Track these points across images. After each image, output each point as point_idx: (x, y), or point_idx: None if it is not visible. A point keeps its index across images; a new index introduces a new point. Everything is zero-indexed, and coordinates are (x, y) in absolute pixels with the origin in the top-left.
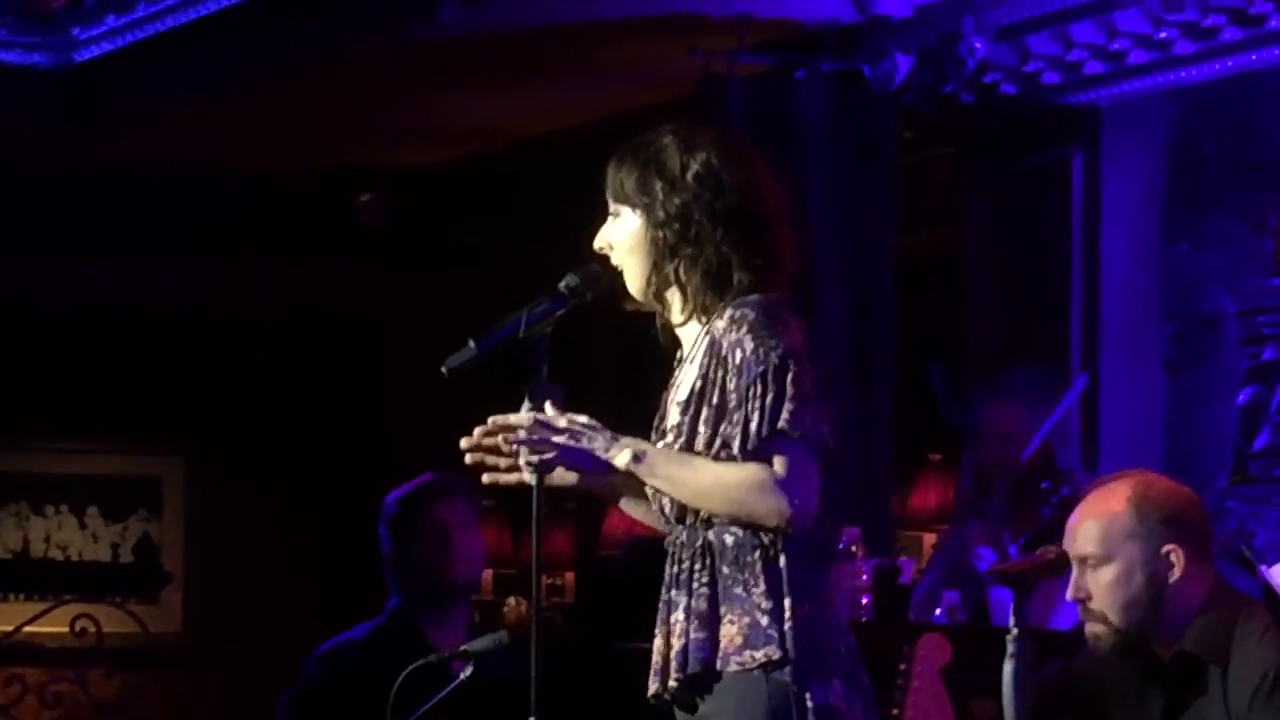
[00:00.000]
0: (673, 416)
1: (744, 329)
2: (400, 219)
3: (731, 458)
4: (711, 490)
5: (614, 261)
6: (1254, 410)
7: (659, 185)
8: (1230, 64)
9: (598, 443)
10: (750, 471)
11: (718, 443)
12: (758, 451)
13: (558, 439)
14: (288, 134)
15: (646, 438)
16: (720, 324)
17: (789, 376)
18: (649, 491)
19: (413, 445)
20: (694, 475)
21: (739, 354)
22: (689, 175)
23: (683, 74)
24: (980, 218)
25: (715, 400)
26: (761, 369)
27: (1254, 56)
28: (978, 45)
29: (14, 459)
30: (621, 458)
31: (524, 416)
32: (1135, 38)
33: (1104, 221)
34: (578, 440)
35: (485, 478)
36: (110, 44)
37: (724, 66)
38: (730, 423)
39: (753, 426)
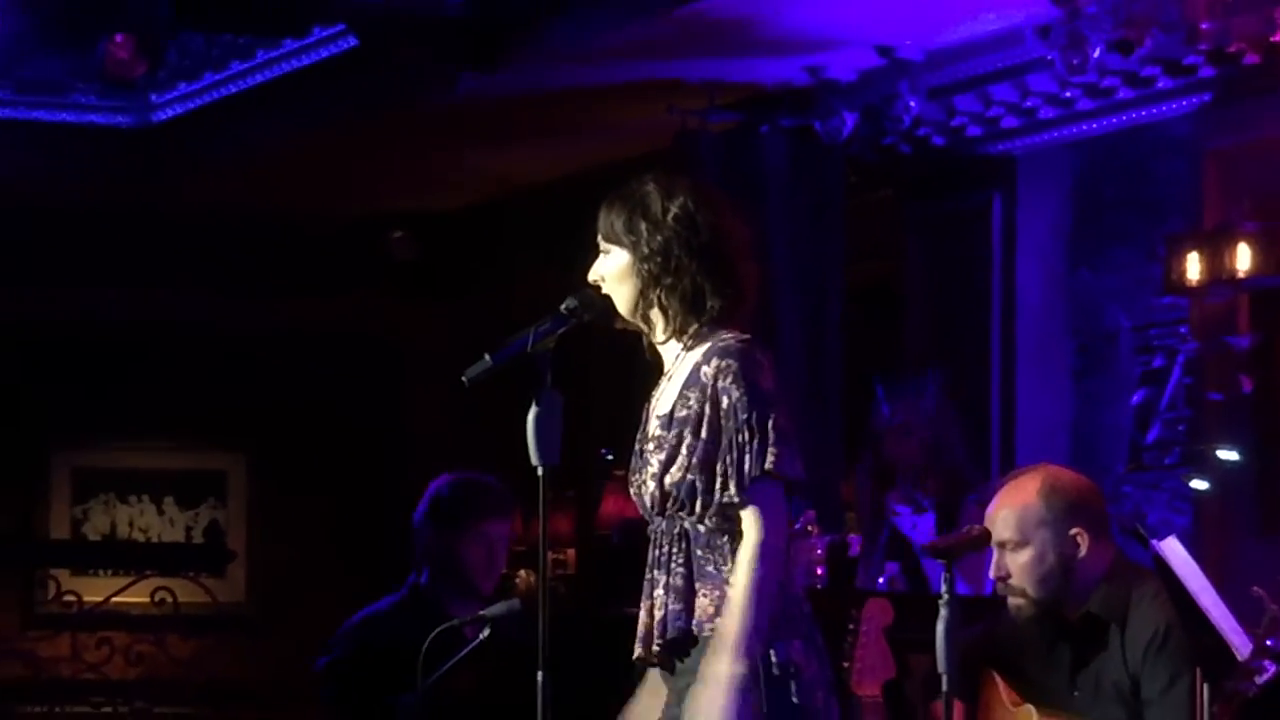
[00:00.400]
0: (653, 427)
1: (730, 378)
2: (424, 256)
3: (727, 494)
4: (757, 603)
5: (605, 290)
6: (1146, 409)
7: (643, 226)
8: (1124, 118)
9: (718, 707)
10: (742, 566)
11: (718, 482)
12: (744, 490)
13: None
14: (329, 184)
15: (634, 438)
16: (708, 368)
17: (770, 423)
18: (631, 487)
19: (428, 447)
20: (747, 617)
21: (725, 401)
22: (669, 217)
23: (662, 130)
24: (916, 250)
25: (704, 435)
26: (746, 417)
27: (1144, 112)
28: (912, 104)
29: (104, 457)
30: (726, 675)
31: None
32: (1045, 96)
33: (1019, 252)
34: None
35: None
36: (181, 107)
37: (697, 123)
38: (724, 463)
39: (745, 470)
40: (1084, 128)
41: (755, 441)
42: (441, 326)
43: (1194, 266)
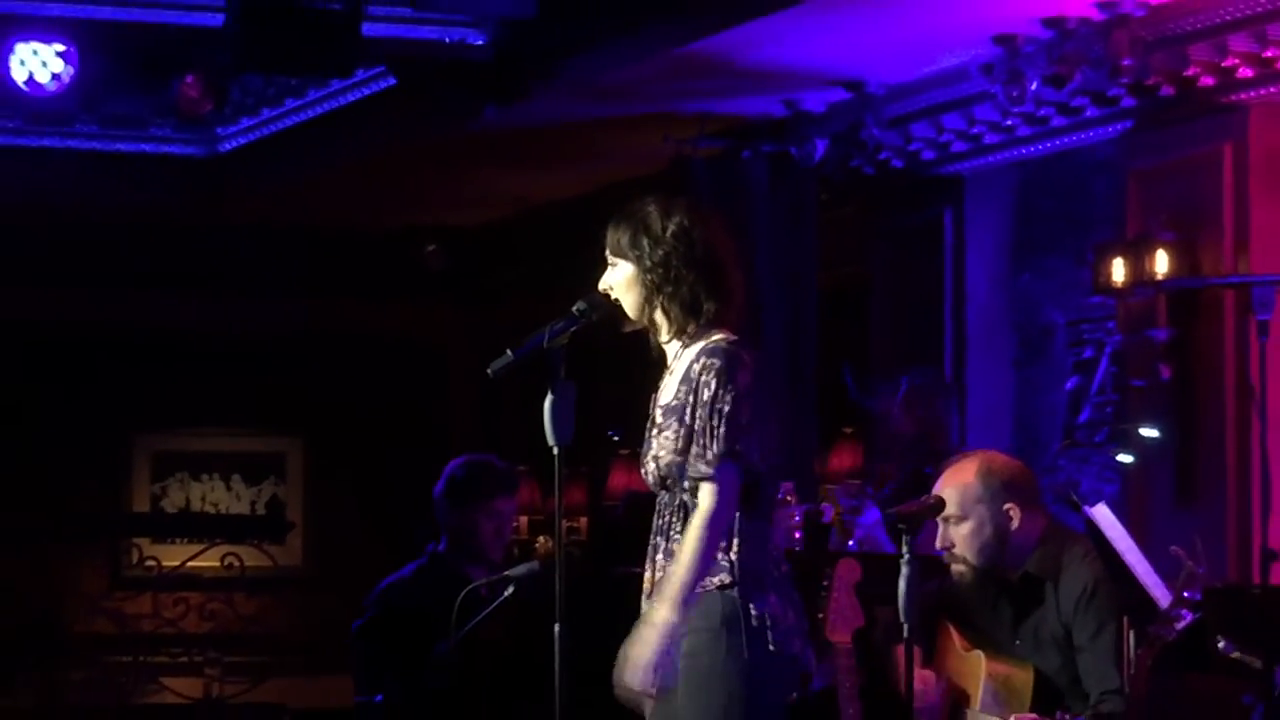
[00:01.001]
0: (657, 415)
1: (712, 374)
2: (454, 266)
3: (696, 470)
4: (691, 561)
5: (615, 297)
6: (1078, 394)
7: (645, 241)
8: (1059, 143)
9: (648, 647)
10: (694, 528)
11: (693, 455)
12: (709, 467)
13: (646, 674)
14: (372, 202)
15: (643, 424)
16: (697, 366)
17: (736, 415)
18: (642, 467)
19: (463, 435)
20: (682, 568)
21: (705, 393)
22: (668, 234)
23: (658, 156)
24: (878, 257)
25: (688, 420)
26: (719, 407)
27: (1075, 137)
28: (875, 132)
29: (180, 440)
30: (661, 621)
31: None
32: (989, 124)
33: (968, 259)
34: (652, 662)
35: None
36: (244, 139)
37: (689, 150)
38: (698, 445)
39: (710, 451)
40: (1023, 151)
41: (721, 428)
42: (472, 328)
43: (1119, 270)
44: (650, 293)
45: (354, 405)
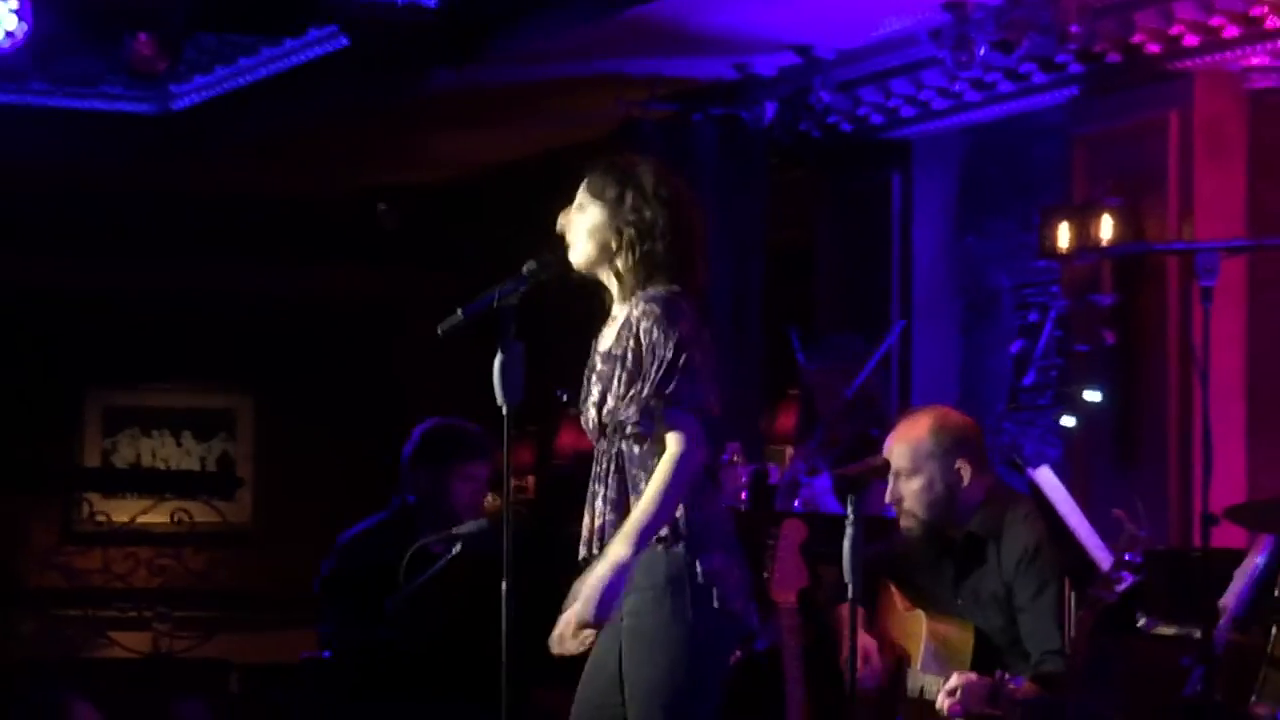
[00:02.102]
0: (597, 362)
1: (651, 320)
2: (406, 225)
3: (641, 419)
4: (656, 503)
5: (570, 239)
6: (1023, 357)
7: (630, 198)
8: (1005, 108)
9: (598, 580)
10: (660, 473)
11: (634, 407)
12: (660, 415)
13: (588, 607)
14: (324, 162)
15: (580, 379)
16: (637, 312)
17: (682, 359)
18: (581, 414)
19: (417, 391)
20: (644, 511)
21: (647, 339)
22: (656, 199)
23: (609, 118)
24: (826, 221)
25: (629, 368)
26: (663, 354)
27: (1022, 103)
28: (824, 96)
29: (132, 396)
30: (614, 556)
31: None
32: (937, 89)
33: (915, 223)
34: (599, 602)
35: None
36: (197, 97)
37: (640, 112)
38: (638, 390)
39: (653, 395)
40: (970, 116)
41: (664, 374)
42: (424, 287)
43: (1064, 235)
44: (616, 246)
45: (305, 363)
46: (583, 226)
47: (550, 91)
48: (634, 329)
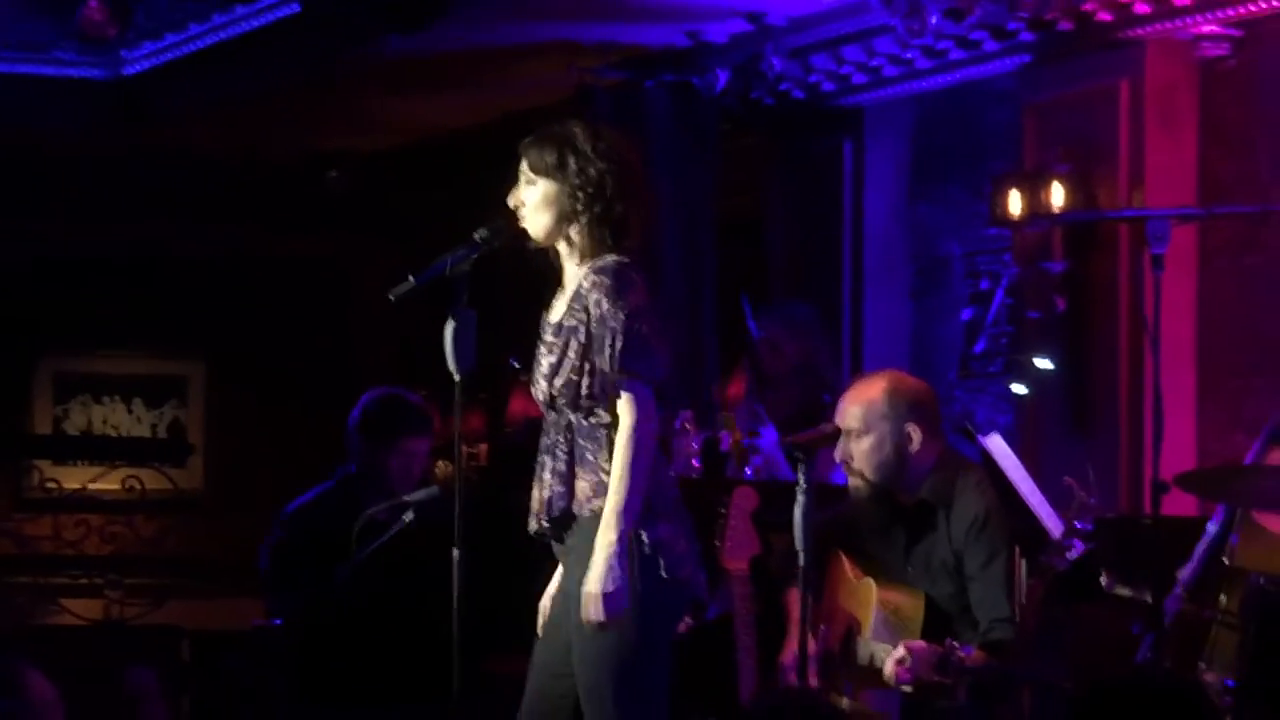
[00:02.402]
0: (547, 334)
1: (602, 291)
2: (357, 191)
3: (594, 390)
4: (626, 474)
5: (521, 215)
6: (974, 325)
7: (574, 160)
8: (957, 76)
9: (598, 579)
10: (622, 441)
11: (586, 379)
12: (612, 386)
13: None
14: (276, 127)
15: (534, 346)
16: (587, 284)
17: (634, 330)
18: (533, 385)
19: (367, 355)
20: (619, 488)
21: (598, 310)
22: (597, 156)
23: (562, 85)
24: (778, 188)
25: (582, 339)
26: (614, 325)
27: (973, 70)
28: (775, 63)
29: (83, 363)
30: (606, 546)
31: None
32: (888, 57)
33: (866, 190)
34: (608, 602)
35: None
36: (148, 63)
37: (592, 79)
38: (591, 362)
39: (606, 365)
40: (922, 84)
41: (619, 345)
42: (375, 253)
43: (1015, 202)
44: (571, 212)
45: (257, 330)
46: (533, 201)
47: (502, 58)
48: (584, 300)
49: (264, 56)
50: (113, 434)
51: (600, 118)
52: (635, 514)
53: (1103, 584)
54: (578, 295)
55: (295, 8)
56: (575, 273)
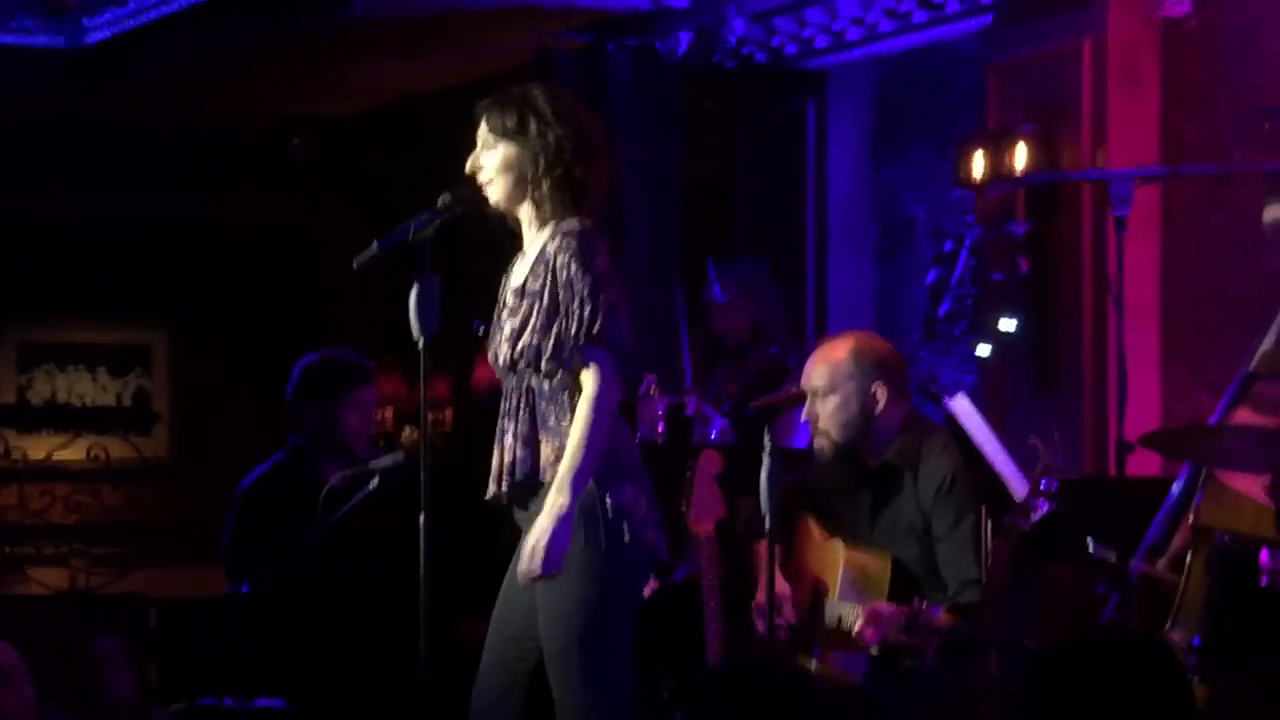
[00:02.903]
0: (509, 297)
1: (568, 254)
2: (322, 157)
3: (559, 355)
4: (585, 439)
5: (481, 179)
6: (938, 287)
7: (534, 123)
8: (920, 38)
9: (543, 533)
10: (582, 411)
11: (550, 341)
12: (578, 352)
13: (536, 556)
14: (240, 94)
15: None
16: (551, 244)
17: (600, 296)
18: (492, 351)
19: (335, 321)
20: (576, 452)
21: (564, 275)
22: (557, 120)
23: (524, 48)
24: (742, 151)
25: (545, 303)
26: (581, 289)
27: (936, 32)
28: (738, 25)
29: (46, 332)
30: (555, 507)
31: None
32: (851, 19)
33: (830, 152)
34: (547, 557)
35: None
36: (110, 30)
37: (554, 43)
38: (561, 328)
39: (572, 333)
40: (885, 46)
41: (587, 311)
42: (341, 219)
43: (979, 164)
44: (532, 176)
45: (221, 297)
46: (493, 165)
47: (465, 22)
48: (550, 264)
49: (227, 22)
50: (77, 403)
51: (563, 82)
52: (587, 480)
53: (1089, 549)
54: (540, 258)
55: None
56: (537, 236)
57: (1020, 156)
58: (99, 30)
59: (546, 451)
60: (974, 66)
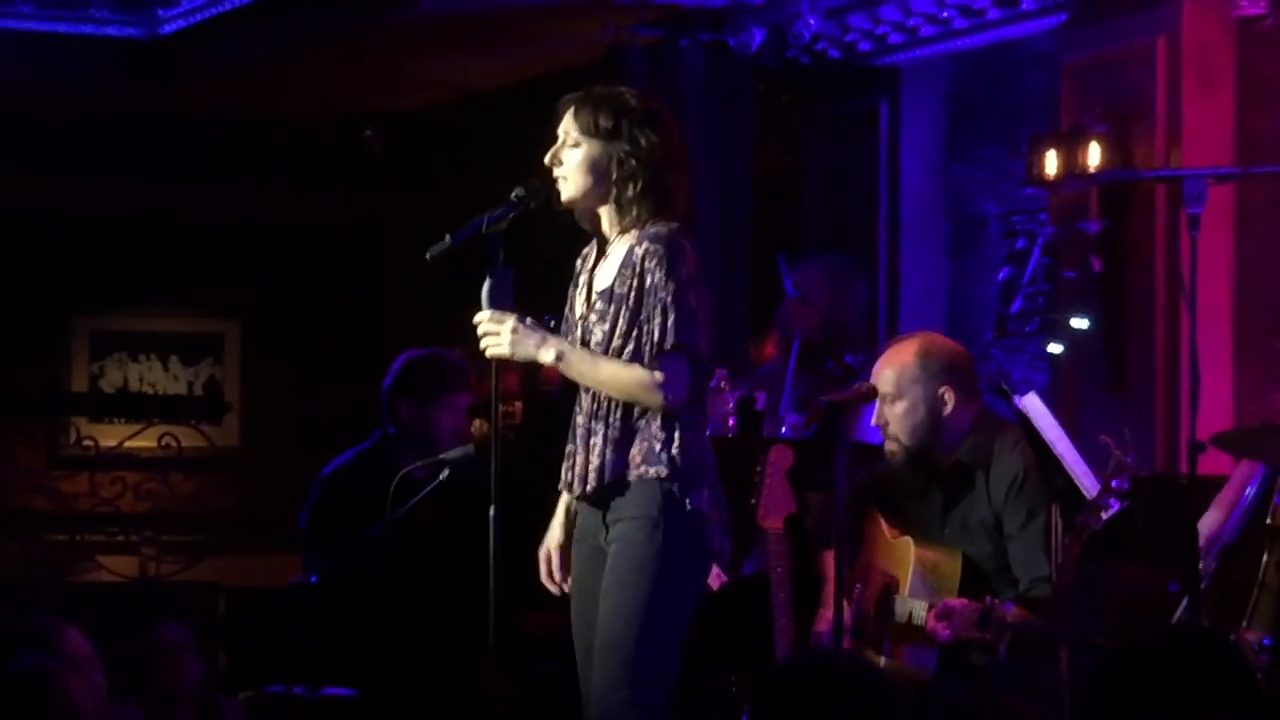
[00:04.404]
0: (595, 300)
1: (655, 260)
2: (392, 150)
3: (639, 356)
4: (609, 384)
5: (558, 173)
6: (1010, 285)
7: (626, 127)
8: (993, 35)
9: (532, 340)
10: (637, 374)
11: (631, 345)
12: (659, 356)
13: (503, 335)
14: (310, 87)
15: (565, 311)
16: (639, 249)
17: (683, 302)
18: None
19: (401, 317)
20: (597, 373)
21: (650, 279)
22: (649, 125)
23: (596, 44)
24: (813, 148)
25: (631, 305)
26: (664, 296)
27: (1010, 30)
28: (812, 22)
29: (120, 321)
30: (546, 355)
31: (481, 316)
32: (925, 16)
33: (902, 150)
34: (517, 338)
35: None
36: (185, 21)
37: (627, 38)
38: (644, 331)
39: (655, 338)
40: (958, 43)
41: (670, 319)
42: (408, 212)
43: (1052, 162)
44: (619, 178)
45: (291, 288)
46: (575, 162)
47: (536, 17)
48: (637, 268)
49: (299, 15)
50: (149, 391)
51: (634, 77)
52: (589, 379)
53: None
54: (628, 261)
55: None
56: (621, 239)
57: (1093, 155)
58: (173, 22)
59: (634, 453)
60: (1047, 65)
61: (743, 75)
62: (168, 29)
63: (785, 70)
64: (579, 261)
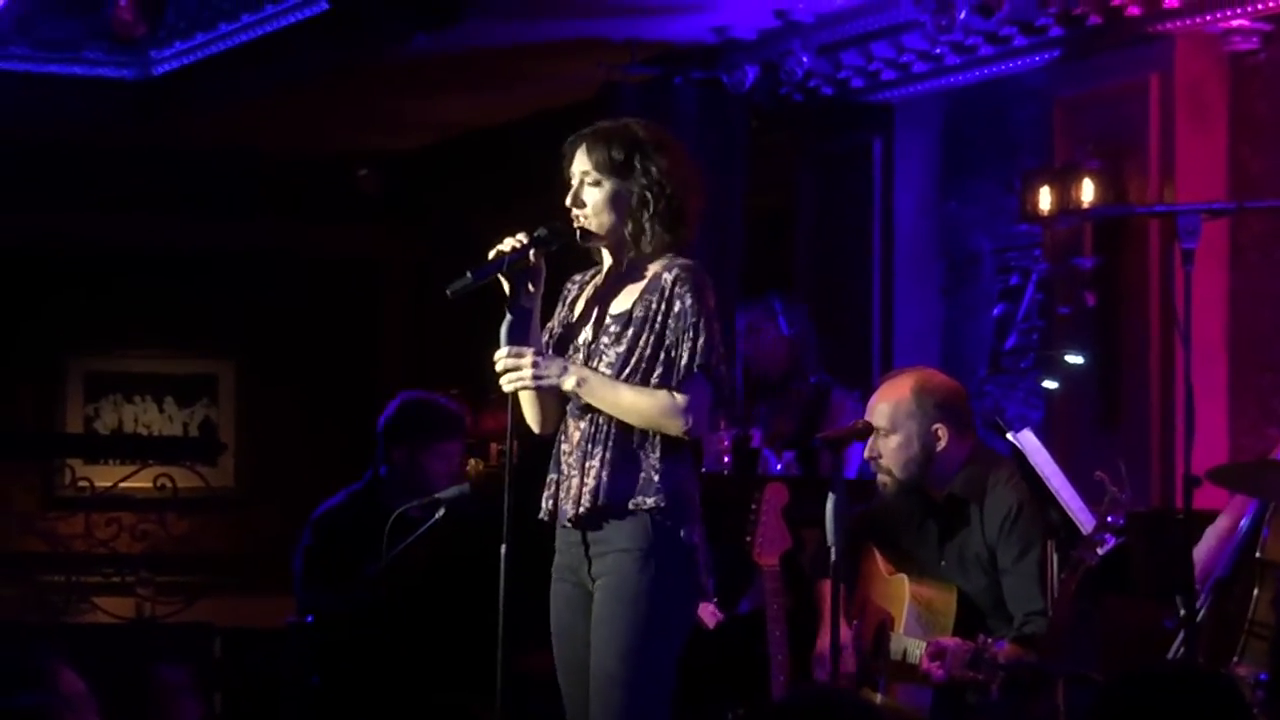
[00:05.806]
0: (609, 323)
1: (685, 287)
2: (387, 189)
3: (667, 381)
4: (630, 410)
5: (582, 214)
6: (1004, 321)
7: (638, 159)
8: (986, 71)
9: (553, 369)
10: (660, 399)
11: (659, 368)
12: (685, 379)
13: (525, 368)
14: (304, 126)
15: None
16: (668, 275)
17: (710, 329)
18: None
19: (395, 356)
20: (619, 398)
21: (679, 305)
22: (659, 152)
23: (588, 82)
24: (807, 184)
25: (656, 330)
26: (694, 321)
27: (1003, 66)
28: (804, 59)
29: (114, 362)
30: (568, 383)
31: (501, 353)
32: (918, 53)
33: (896, 186)
34: (539, 370)
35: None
36: (178, 62)
37: (620, 76)
38: (669, 355)
39: (683, 362)
40: (951, 80)
41: (700, 342)
42: (404, 250)
43: (1045, 198)
44: (639, 210)
45: (286, 327)
46: (598, 200)
47: (529, 55)
48: (664, 293)
49: (292, 55)
50: (144, 432)
51: (627, 114)
52: (608, 404)
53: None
54: (654, 286)
55: (324, 6)
56: (641, 266)
57: (1087, 190)
58: (166, 62)
59: (630, 482)
60: (1040, 101)
61: (736, 113)
62: (161, 69)
63: (779, 107)
64: (570, 286)
